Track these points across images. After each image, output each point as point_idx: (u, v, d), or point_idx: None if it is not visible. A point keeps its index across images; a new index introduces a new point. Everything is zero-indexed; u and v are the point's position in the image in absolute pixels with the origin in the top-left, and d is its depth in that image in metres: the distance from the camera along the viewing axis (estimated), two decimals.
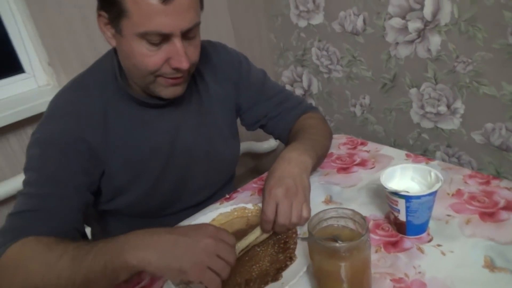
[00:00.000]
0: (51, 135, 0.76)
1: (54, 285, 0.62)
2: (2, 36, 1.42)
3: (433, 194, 0.69)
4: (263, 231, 0.74)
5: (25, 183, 0.75)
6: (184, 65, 0.73)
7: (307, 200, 0.73)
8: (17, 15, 1.39)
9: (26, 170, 0.76)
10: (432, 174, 0.72)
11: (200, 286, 0.68)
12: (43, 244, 0.66)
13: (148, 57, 0.72)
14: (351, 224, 0.63)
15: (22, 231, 0.68)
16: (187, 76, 0.80)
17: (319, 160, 0.89)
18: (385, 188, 0.70)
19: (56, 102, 0.81)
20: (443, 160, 1.48)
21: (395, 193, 0.69)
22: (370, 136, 1.68)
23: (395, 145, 1.63)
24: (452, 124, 1.42)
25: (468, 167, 1.43)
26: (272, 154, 2.18)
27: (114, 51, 0.81)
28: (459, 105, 1.37)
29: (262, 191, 0.76)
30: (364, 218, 0.60)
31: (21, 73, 1.49)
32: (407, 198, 0.68)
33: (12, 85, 1.46)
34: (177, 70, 0.74)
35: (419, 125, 1.52)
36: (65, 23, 1.38)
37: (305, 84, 1.86)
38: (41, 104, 1.38)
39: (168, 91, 0.79)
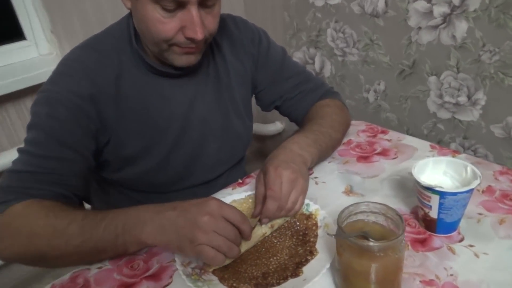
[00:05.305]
0: (60, 93, 0.72)
1: (62, 251, 0.63)
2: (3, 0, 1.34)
3: (470, 191, 0.63)
4: (269, 210, 0.67)
5: (27, 141, 0.71)
6: (199, 35, 0.68)
7: (304, 192, 0.71)
8: None
9: (30, 127, 0.72)
10: (469, 169, 0.66)
11: (211, 276, 0.63)
12: (48, 209, 0.65)
13: (162, 23, 0.68)
14: (382, 220, 0.58)
15: (23, 193, 0.67)
16: (203, 46, 0.75)
17: (322, 154, 0.85)
18: (418, 182, 0.64)
19: (68, 60, 0.76)
20: None
21: (429, 188, 0.63)
22: (382, 124, 1.62)
23: (408, 134, 1.57)
24: (471, 115, 1.37)
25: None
26: (278, 137, 2.13)
27: (130, 14, 0.76)
28: (480, 96, 1.31)
29: (261, 172, 0.73)
30: (399, 215, 0.55)
31: (22, 40, 1.41)
32: (442, 194, 0.63)
33: (11, 53, 1.39)
34: (191, 40, 0.70)
35: (435, 114, 1.46)
36: None
37: (317, 66, 1.80)
38: (42, 73, 1.31)
39: (181, 59, 0.74)
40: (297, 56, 1.85)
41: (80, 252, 0.63)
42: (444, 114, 1.44)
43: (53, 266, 0.69)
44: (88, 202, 1.01)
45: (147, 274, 0.66)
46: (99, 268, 0.68)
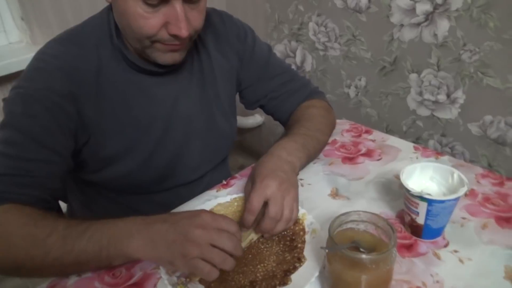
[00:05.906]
0: (37, 90, 0.67)
1: (40, 262, 0.59)
2: None
3: (458, 199, 0.64)
4: (244, 223, 0.66)
5: (1, 141, 0.66)
6: (183, 32, 0.65)
7: (297, 199, 0.69)
8: None
9: (4, 126, 0.67)
10: (455, 175, 0.67)
11: (197, 285, 0.62)
12: (27, 217, 0.62)
13: (144, 19, 0.65)
14: (372, 229, 0.58)
15: None
16: (187, 43, 0.72)
17: (310, 158, 0.84)
18: (408, 190, 0.64)
19: (45, 54, 0.71)
20: (435, 149, 1.46)
21: (418, 196, 0.63)
22: (363, 120, 1.63)
23: (387, 130, 1.59)
24: (449, 113, 1.39)
25: (461, 158, 1.41)
26: (257, 130, 2.11)
27: (111, 6, 0.72)
28: (459, 94, 1.33)
29: (249, 180, 0.71)
30: (391, 225, 0.55)
31: None
32: (430, 202, 0.63)
33: None
34: (175, 37, 0.67)
35: (415, 112, 1.48)
36: None
37: (298, 60, 1.78)
38: (12, 63, 1.24)
39: (165, 57, 0.71)
40: (278, 49, 1.83)
41: (60, 264, 0.59)
42: (423, 112, 1.46)
43: (29, 277, 0.65)
44: (64, 201, 0.97)
45: (130, 282, 0.64)
46: (79, 276, 0.65)
